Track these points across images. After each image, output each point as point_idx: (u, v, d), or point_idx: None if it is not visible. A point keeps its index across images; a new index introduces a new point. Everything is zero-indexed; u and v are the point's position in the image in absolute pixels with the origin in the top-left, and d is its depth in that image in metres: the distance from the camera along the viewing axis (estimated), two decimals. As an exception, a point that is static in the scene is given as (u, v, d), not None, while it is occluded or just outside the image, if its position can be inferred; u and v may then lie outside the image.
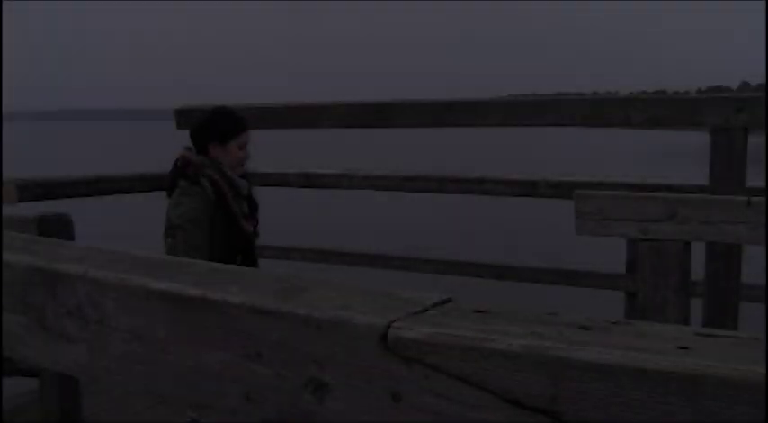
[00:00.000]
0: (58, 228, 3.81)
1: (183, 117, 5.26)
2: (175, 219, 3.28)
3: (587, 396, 0.73)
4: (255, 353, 0.95)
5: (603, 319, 0.85)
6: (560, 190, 4.81)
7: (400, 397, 0.84)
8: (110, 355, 1.10)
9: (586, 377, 0.73)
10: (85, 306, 1.11)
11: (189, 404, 1.03)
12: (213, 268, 1.13)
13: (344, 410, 0.89)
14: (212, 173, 3.35)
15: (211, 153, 3.40)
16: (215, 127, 3.48)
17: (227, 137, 3.44)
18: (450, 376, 0.81)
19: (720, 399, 0.68)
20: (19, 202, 4.38)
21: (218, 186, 3.34)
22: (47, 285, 1.16)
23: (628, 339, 0.78)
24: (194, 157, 3.39)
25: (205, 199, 3.29)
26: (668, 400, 0.70)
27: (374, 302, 0.93)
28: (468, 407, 0.80)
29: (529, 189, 4.99)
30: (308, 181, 5.84)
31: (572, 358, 0.74)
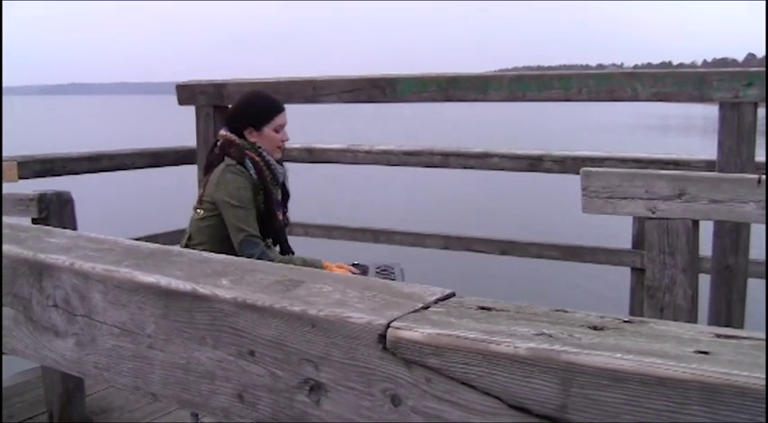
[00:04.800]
0: (59, 206, 3.78)
1: (185, 92, 5.20)
2: (225, 196, 3.27)
3: (599, 404, 0.69)
4: (248, 351, 0.91)
5: (615, 318, 0.81)
6: (565, 165, 4.78)
7: (400, 401, 0.80)
8: (98, 351, 1.06)
9: (598, 384, 0.68)
10: (72, 299, 1.07)
11: (179, 403, 0.99)
12: (204, 258, 1.08)
13: (341, 413, 0.84)
14: (254, 155, 3.36)
15: (248, 139, 3.39)
16: (248, 112, 3.46)
17: (260, 122, 3.42)
18: (453, 380, 0.76)
19: (742, 410, 0.63)
20: (20, 179, 4.34)
21: (260, 169, 3.35)
22: (33, 276, 1.12)
23: (642, 342, 0.73)
24: (237, 139, 3.39)
25: (250, 179, 3.30)
26: (686, 411, 0.65)
27: (373, 298, 0.88)
28: (472, 413, 0.75)
29: (534, 164, 4.94)
30: (311, 155, 5.80)
31: (583, 364, 0.69)
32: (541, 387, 0.71)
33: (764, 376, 0.63)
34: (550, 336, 0.75)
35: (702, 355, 0.69)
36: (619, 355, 0.69)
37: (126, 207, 14.85)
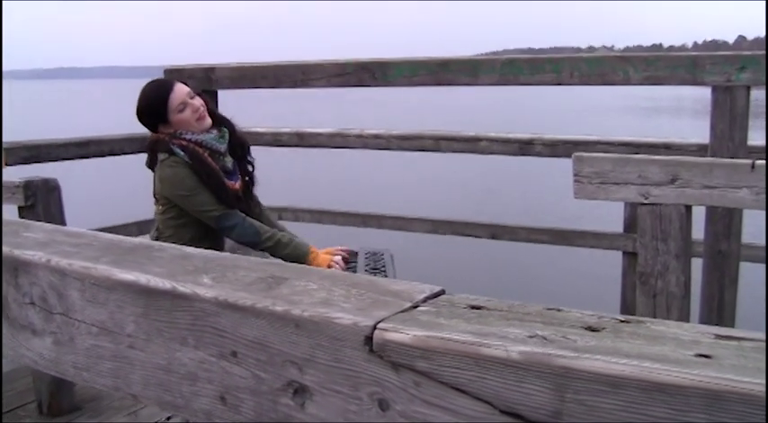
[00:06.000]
0: (45, 193, 3.74)
1: (174, 77, 5.15)
2: (175, 190, 3.23)
3: (595, 411, 0.66)
4: (230, 352, 0.87)
5: (612, 317, 0.77)
6: (556, 149, 4.75)
7: (388, 405, 0.77)
8: (77, 350, 1.02)
9: (595, 390, 0.65)
10: (49, 296, 1.03)
11: (160, 405, 0.96)
12: (185, 254, 1.04)
13: (327, 417, 0.81)
14: (180, 141, 3.26)
15: (166, 132, 3.30)
16: (145, 113, 3.33)
17: (160, 114, 3.28)
18: (443, 384, 0.73)
19: (745, 418, 0.60)
20: (6, 166, 4.30)
21: (191, 151, 3.24)
22: (8, 273, 1.08)
23: (640, 344, 0.70)
24: (159, 135, 3.31)
25: (187, 165, 3.22)
26: (687, 419, 0.62)
27: (359, 296, 0.85)
28: (462, 418, 0.72)
29: (524, 148, 4.91)
30: (302, 140, 5.76)
31: (579, 368, 0.66)
32: (535, 392, 0.68)
33: (765, 382, 0.60)
34: (544, 338, 0.72)
35: (704, 358, 0.66)
36: (616, 360, 0.66)
37: (115, 193, 14.77)
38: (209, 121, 3.33)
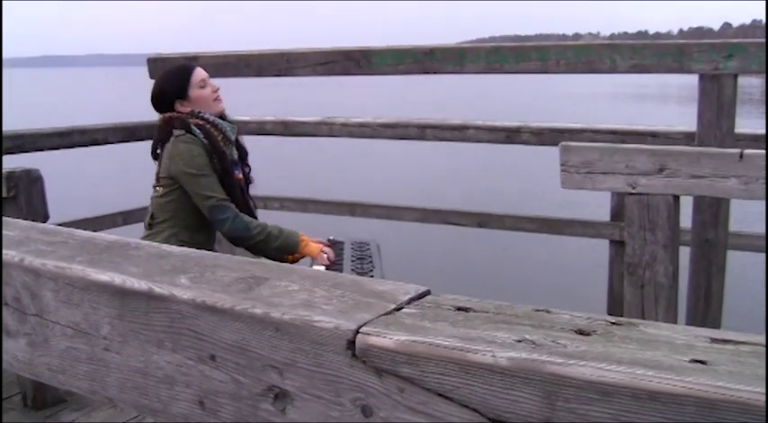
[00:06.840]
0: (28, 183, 3.69)
1: (157, 66, 5.10)
2: (183, 167, 3.24)
3: (586, 420, 0.63)
4: (209, 355, 0.85)
5: (603, 320, 0.75)
6: (543, 137, 4.73)
7: (371, 411, 0.74)
8: (51, 352, 0.99)
9: (586, 398, 0.63)
10: (23, 297, 1.00)
11: (137, 409, 0.93)
12: (163, 253, 1.01)
13: (309, 423, 0.78)
14: (197, 120, 3.32)
15: (183, 111, 3.32)
16: (166, 90, 3.42)
17: (181, 89, 3.38)
18: (428, 391, 0.70)
19: (744, 427, 0.58)
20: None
21: (207, 131, 3.30)
22: (-20, 273, 1.05)
23: (633, 349, 0.67)
24: (175, 113, 3.36)
25: (201, 144, 3.27)
26: (682, 428, 0.60)
27: (341, 298, 0.82)
28: (448, 426, 0.70)
29: (511, 136, 4.89)
30: (287, 129, 5.72)
31: (569, 375, 0.64)
32: (523, 400, 0.66)
33: (765, 391, 0.58)
34: (533, 343, 0.69)
35: (699, 364, 0.64)
36: (607, 367, 0.63)
37: (99, 183, 14.69)
38: (223, 105, 3.44)
